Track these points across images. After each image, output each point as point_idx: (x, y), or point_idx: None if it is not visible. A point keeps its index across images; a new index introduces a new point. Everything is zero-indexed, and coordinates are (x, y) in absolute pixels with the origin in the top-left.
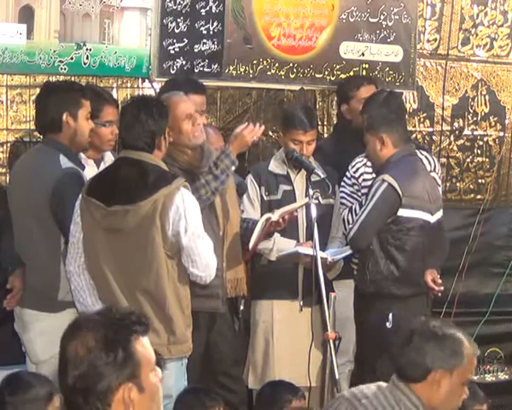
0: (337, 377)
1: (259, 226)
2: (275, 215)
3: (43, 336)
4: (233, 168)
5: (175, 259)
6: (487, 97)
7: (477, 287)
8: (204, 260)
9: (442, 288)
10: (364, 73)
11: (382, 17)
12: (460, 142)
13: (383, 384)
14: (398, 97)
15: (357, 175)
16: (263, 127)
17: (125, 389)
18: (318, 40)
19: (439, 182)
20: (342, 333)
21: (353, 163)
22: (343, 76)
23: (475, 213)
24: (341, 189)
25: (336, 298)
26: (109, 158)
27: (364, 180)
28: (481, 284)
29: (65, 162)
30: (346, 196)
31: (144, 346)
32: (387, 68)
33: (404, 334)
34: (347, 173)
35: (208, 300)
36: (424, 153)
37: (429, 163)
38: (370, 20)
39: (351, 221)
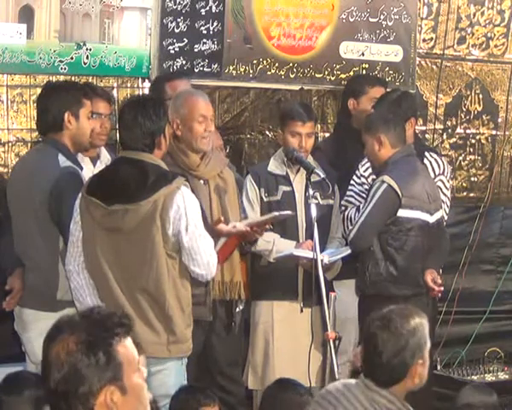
0: (337, 377)
1: (222, 240)
2: (240, 225)
3: (42, 335)
4: None
5: (175, 258)
6: (481, 96)
7: (469, 284)
8: (205, 259)
9: (442, 288)
10: (364, 72)
11: (382, 17)
12: (452, 140)
13: (351, 382)
14: (409, 98)
15: (366, 174)
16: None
17: (107, 392)
18: (318, 40)
19: (448, 185)
20: (342, 333)
21: (363, 162)
22: (343, 76)
23: (467, 211)
24: (350, 187)
25: (336, 298)
26: (105, 156)
27: (374, 179)
28: (474, 281)
29: (63, 161)
30: (354, 194)
31: (126, 347)
32: (387, 68)
33: (368, 344)
34: (357, 172)
35: (194, 308)
36: (434, 155)
37: (438, 166)
38: (370, 19)
39: None
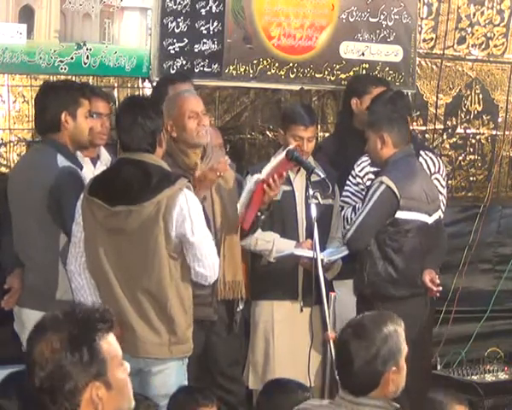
0: (337, 376)
1: (248, 188)
2: (262, 173)
3: None
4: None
5: (178, 259)
6: (481, 96)
7: (467, 284)
8: (210, 261)
9: (440, 288)
10: (364, 72)
11: (382, 17)
12: (452, 140)
13: (326, 403)
14: (404, 97)
15: (361, 174)
16: (228, 161)
17: (93, 388)
18: (318, 40)
19: (444, 183)
20: None
21: (359, 162)
22: (343, 76)
23: (465, 211)
24: (346, 187)
25: (336, 298)
26: (105, 156)
27: (369, 179)
28: (472, 281)
29: (62, 161)
30: (350, 194)
31: (110, 343)
32: (387, 68)
33: (340, 352)
34: (352, 172)
35: (200, 308)
36: (429, 154)
37: (434, 164)
38: (370, 19)
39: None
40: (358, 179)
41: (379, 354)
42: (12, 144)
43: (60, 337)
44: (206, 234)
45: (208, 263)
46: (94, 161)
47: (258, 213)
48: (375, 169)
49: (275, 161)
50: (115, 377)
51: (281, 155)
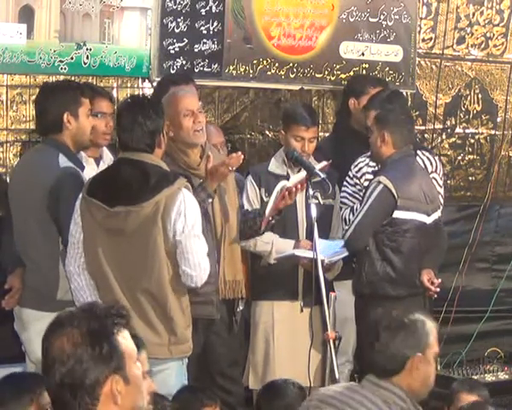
0: (337, 376)
1: (275, 194)
2: (290, 182)
3: (42, 335)
4: (209, 201)
5: (175, 259)
6: (480, 96)
7: (465, 283)
8: (196, 260)
9: (438, 289)
10: (364, 72)
11: (382, 17)
12: (451, 140)
13: (354, 384)
14: (401, 97)
15: (359, 175)
16: (241, 156)
17: (112, 381)
18: (318, 40)
19: (441, 183)
20: (341, 334)
21: (356, 163)
22: (343, 76)
23: (463, 210)
24: (343, 188)
25: (336, 298)
26: (108, 156)
27: (366, 180)
28: (470, 280)
29: (64, 162)
30: (347, 195)
31: (126, 338)
32: (387, 68)
33: (370, 333)
34: (350, 173)
35: (202, 307)
36: (426, 153)
37: (431, 164)
38: (370, 19)
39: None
40: (356, 180)
41: (404, 335)
42: (9, 144)
43: (80, 332)
44: (196, 234)
45: (194, 262)
46: (97, 161)
47: (270, 218)
48: (373, 169)
49: (302, 173)
50: (132, 373)
51: (300, 173)
